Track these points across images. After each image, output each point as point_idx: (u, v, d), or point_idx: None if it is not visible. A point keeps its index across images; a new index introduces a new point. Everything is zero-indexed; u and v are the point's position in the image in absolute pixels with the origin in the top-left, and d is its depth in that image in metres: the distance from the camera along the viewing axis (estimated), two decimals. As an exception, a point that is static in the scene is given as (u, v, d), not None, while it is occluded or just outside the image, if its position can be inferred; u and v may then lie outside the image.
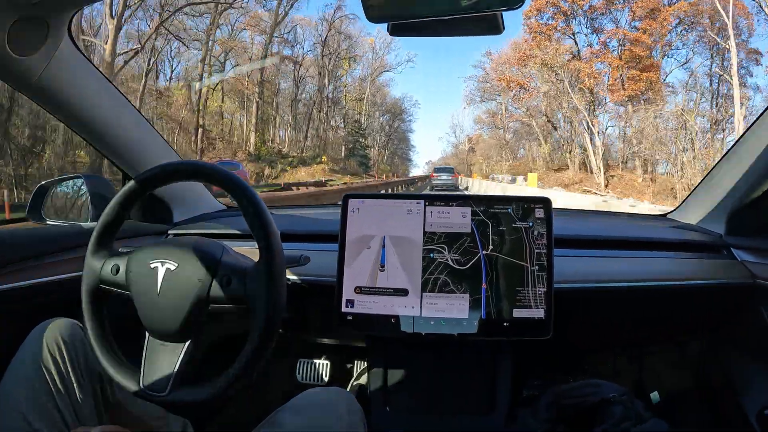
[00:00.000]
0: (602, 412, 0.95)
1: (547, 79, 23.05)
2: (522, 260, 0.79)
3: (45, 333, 0.67)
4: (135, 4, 18.73)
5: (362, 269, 0.81)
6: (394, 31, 0.58)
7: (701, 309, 0.98)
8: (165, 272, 0.64)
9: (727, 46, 19.11)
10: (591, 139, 21.94)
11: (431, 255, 0.80)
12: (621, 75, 21.98)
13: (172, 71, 23.56)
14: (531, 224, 0.80)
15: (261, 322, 0.60)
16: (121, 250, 0.71)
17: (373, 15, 0.53)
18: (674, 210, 1.17)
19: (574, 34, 23.33)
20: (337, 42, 29.86)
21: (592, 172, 21.66)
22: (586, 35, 23.31)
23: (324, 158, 28.01)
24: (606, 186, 19.94)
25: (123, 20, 18.34)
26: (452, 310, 0.79)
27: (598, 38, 22.97)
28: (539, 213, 0.80)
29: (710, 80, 21.16)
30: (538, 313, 0.78)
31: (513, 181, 22.47)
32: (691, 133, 18.43)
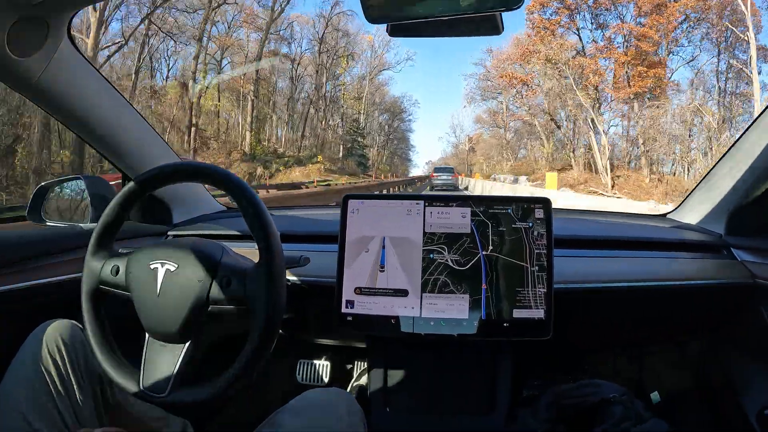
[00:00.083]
0: (602, 412, 0.95)
1: (551, 76, 22.31)
2: (522, 261, 0.79)
3: (45, 334, 0.67)
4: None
5: (362, 270, 0.81)
6: (394, 31, 0.58)
7: (701, 309, 0.98)
8: (165, 273, 0.64)
9: (746, 37, 18.18)
10: (596, 138, 21.21)
11: (431, 255, 0.80)
12: (626, 72, 21.21)
13: (168, 70, 23.18)
14: (531, 224, 0.80)
15: (261, 322, 0.60)
16: (121, 251, 0.71)
17: (373, 15, 0.53)
18: (674, 210, 1.17)
19: (578, 30, 22.45)
20: (334, 39, 29.25)
21: (597, 173, 20.99)
22: (591, 31, 22.46)
23: (320, 158, 27.41)
24: (612, 187, 19.24)
25: (107, 14, 17.98)
26: (452, 311, 0.79)
27: (603, 34, 22.13)
28: (539, 213, 0.80)
29: (717, 78, 20.44)
30: (538, 313, 0.78)
31: (515, 181, 21.87)
32: (708, 131, 17.84)
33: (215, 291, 0.63)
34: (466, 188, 22.29)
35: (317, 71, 29.13)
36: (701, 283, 0.89)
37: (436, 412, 0.92)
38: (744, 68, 19.24)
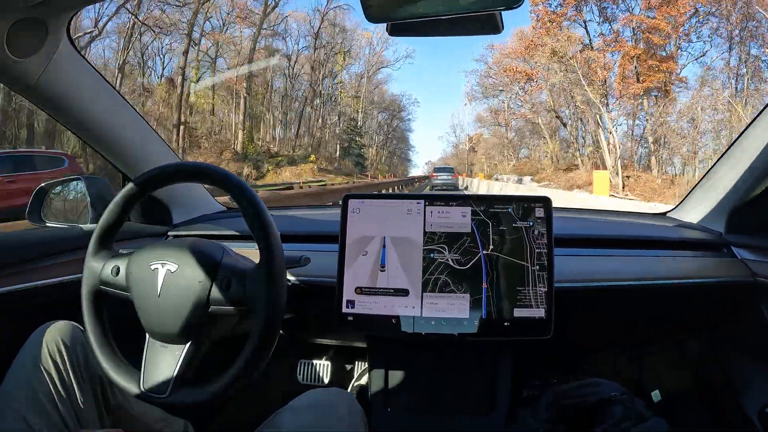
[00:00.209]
0: (602, 411, 0.95)
1: (558, 69, 21.24)
2: (522, 260, 0.79)
3: (45, 335, 0.67)
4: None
5: (362, 270, 0.81)
6: (394, 30, 0.58)
7: (701, 307, 0.98)
8: (165, 274, 0.63)
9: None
10: (605, 137, 20.17)
11: (431, 255, 0.80)
12: (635, 67, 20.10)
13: (163, 68, 22.75)
14: (531, 224, 0.80)
15: (261, 323, 0.60)
16: (122, 251, 0.71)
17: (373, 15, 0.53)
18: (674, 208, 1.17)
19: (585, 22, 21.42)
20: (330, 34, 28.48)
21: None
22: (599, 24, 21.41)
23: (313, 157, 26.59)
24: (623, 188, 18.27)
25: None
26: (453, 310, 0.79)
27: (611, 27, 21.05)
28: (539, 212, 0.80)
29: (728, 74, 19.52)
30: (539, 312, 0.78)
31: (519, 181, 21.02)
32: (731, 126, 16.73)
33: (215, 292, 0.63)
34: (466, 188, 22.19)
35: (312, 67, 28.36)
36: (701, 282, 0.89)
37: (436, 412, 0.92)
38: (759, 63, 18.44)
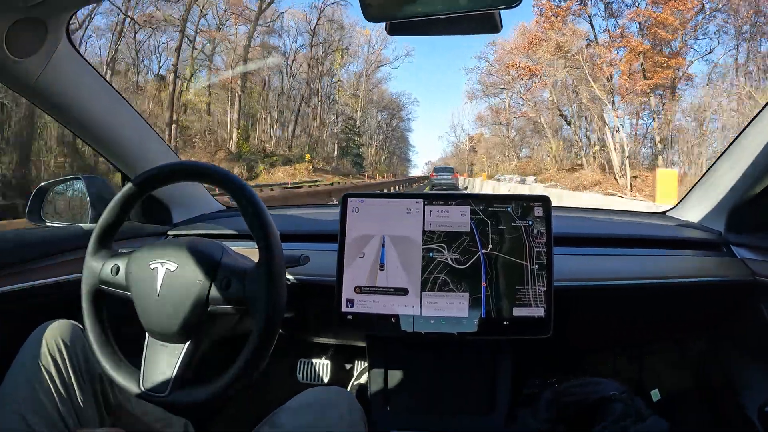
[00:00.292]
0: (602, 410, 0.95)
1: (563, 65, 20.32)
2: (522, 259, 0.79)
3: (45, 335, 0.67)
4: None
5: (362, 269, 0.81)
6: (393, 30, 0.58)
7: (701, 307, 0.98)
8: (165, 273, 0.64)
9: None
10: (612, 135, 19.23)
11: (431, 254, 0.80)
12: (642, 63, 19.22)
13: (160, 67, 22.27)
14: (530, 223, 0.80)
15: (261, 322, 0.60)
16: (121, 250, 0.71)
17: (372, 14, 0.53)
18: (674, 207, 1.17)
19: (590, 17, 20.48)
20: (328, 31, 27.76)
21: (610, 173, 19.04)
22: (604, 18, 20.57)
23: (307, 157, 25.90)
24: (631, 189, 17.52)
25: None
26: (452, 309, 0.79)
27: (617, 22, 20.16)
28: (538, 211, 0.80)
29: (736, 71, 18.68)
30: (538, 311, 0.78)
31: (522, 182, 20.10)
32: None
33: (215, 291, 0.63)
34: (466, 188, 22.08)
35: (309, 65, 27.70)
36: (701, 281, 0.89)
37: (436, 411, 0.92)
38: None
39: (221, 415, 1.15)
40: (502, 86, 26.93)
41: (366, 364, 1.16)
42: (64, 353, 0.67)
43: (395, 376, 0.95)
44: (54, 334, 0.67)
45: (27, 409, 0.61)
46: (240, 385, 0.61)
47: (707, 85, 18.81)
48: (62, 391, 0.64)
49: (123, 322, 0.69)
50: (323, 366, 1.21)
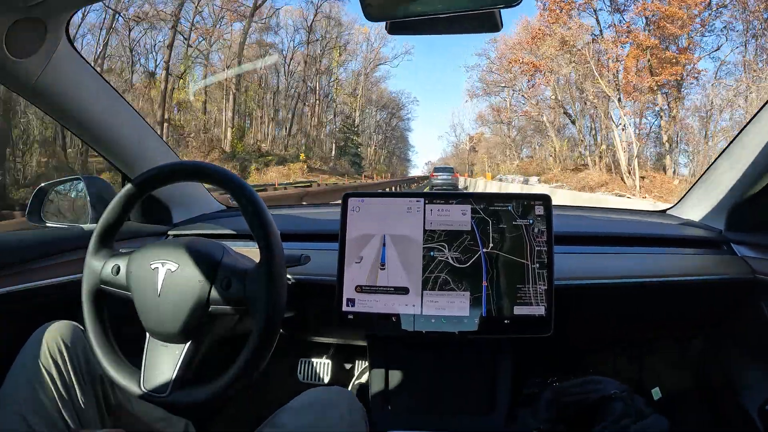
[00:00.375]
0: (603, 409, 0.95)
1: (569, 60, 19.56)
2: (522, 258, 0.79)
3: (46, 335, 0.67)
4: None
5: (363, 268, 0.81)
6: (393, 29, 0.58)
7: (701, 305, 0.98)
8: (165, 273, 0.63)
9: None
10: (619, 134, 18.53)
11: (431, 253, 0.80)
12: (648, 59, 18.49)
13: (156, 65, 21.55)
14: (531, 221, 0.80)
15: (261, 322, 0.60)
16: (122, 250, 0.71)
17: (372, 14, 0.53)
18: (674, 206, 1.17)
19: (595, 11, 19.57)
20: (325, 27, 26.68)
21: (617, 173, 18.31)
22: (610, 12, 19.72)
23: (302, 156, 24.88)
24: (639, 189, 16.92)
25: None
26: (453, 308, 0.79)
27: (622, 17, 19.33)
28: (539, 210, 0.80)
29: (744, 69, 17.82)
30: (539, 310, 0.78)
31: (525, 182, 19.67)
32: None
33: (216, 291, 0.63)
34: (466, 189, 22.01)
35: (305, 62, 26.87)
36: (701, 279, 0.89)
37: (436, 411, 0.92)
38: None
39: (222, 415, 1.15)
40: (503, 84, 26.27)
41: (366, 363, 1.17)
42: (65, 354, 0.66)
43: (396, 376, 0.95)
44: (54, 334, 0.67)
45: (28, 409, 0.61)
46: (240, 385, 0.61)
47: (714, 82, 18.34)
48: (63, 392, 0.64)
49: (123, 322, 0.69)
50: (324, 366, 1.21)
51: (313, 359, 1.21)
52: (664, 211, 1.19)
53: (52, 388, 0.64)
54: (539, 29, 21.09)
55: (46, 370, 0.64)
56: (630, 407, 0.94)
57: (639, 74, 18.87)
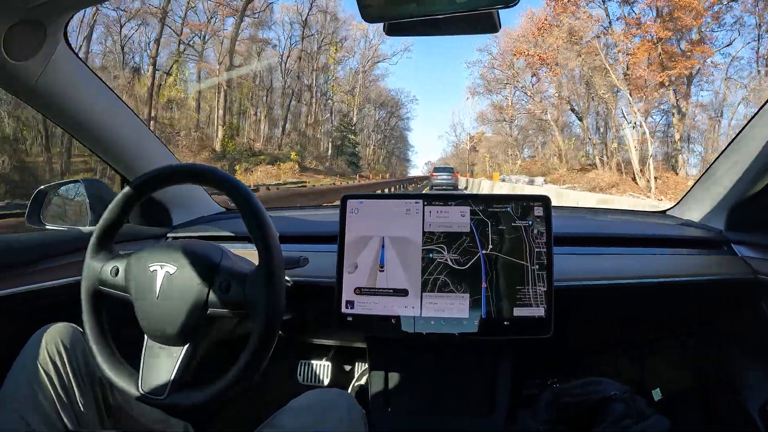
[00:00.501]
0: (603, 410, 0.95)
1: (578, 52, 18.38)
2: (522, 259, 0.79)
3: (45, 337, 0.67)
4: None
5: (362, 270, 0.81)
6: (391, 30, 0.58)
7: (702, 305, 0.98)
8: (164, 276, 0.63)
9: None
10: (630, 132, 17.50)
11: (430, 255, 0.80)
12: (659, 54, 17.59)
13: (140, 60, 21.02)
14: (530, 223, 0.80)
15: (260, 325, 0.60)
16: (121, 252, 0.71)
17: (370, 14, 0.53)
18: (674, 206, 1.16)
19: (604, 2, 18.72)
20: (321, 22, 25.91)
21: (627, 173, 17.33)
22: (620, 4, 18.88)
23: (294, 155, 24.07)
24: (651, 191, 16.10)
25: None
26: (452, 310, 0.79)
27: (632, 9, 18.58)
28: (538, 211, 0.80)
29: (757, 63, 17.53)
30: (539, 311, 0.78)
31: (531, 183, 18.58)
32: None
33: (214, 294, 0.63)
34: (466, 189, 21.91)
35: (300, 57, 26.04)
36: (702, 280, 0.89)
37: (436, 413, 0.92)
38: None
39: (221, 417, 1.15)
40: (505, 81, 25.73)
41: (366, 365, 1.16)
42: (64, 356, 0.66)
43: (395, 378, 0.95)
44: (54, 336, 0.67)
45: (27, 410, 0.61)
46: (239, 388, 0.60)
47: (726, 78, 17.72)
48: (62, 393, 0.64)
49: (122, 325, 0.68)
50: (323, 368, 1.21)
51: (312, 361, 1.21)
52: (664, 212, 1.19)
53: (52, 391, 0.64)
54: (545, 20, 20.10)
55: (45, 371, 0.64)
56: (631, 408, 0.94)
57: (650, 68, 17.98)
